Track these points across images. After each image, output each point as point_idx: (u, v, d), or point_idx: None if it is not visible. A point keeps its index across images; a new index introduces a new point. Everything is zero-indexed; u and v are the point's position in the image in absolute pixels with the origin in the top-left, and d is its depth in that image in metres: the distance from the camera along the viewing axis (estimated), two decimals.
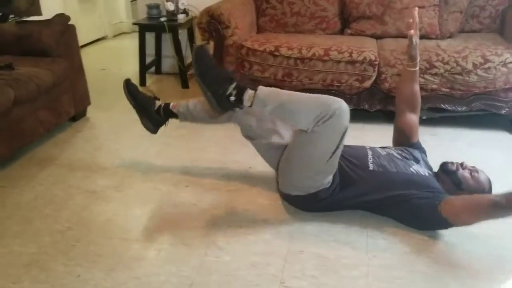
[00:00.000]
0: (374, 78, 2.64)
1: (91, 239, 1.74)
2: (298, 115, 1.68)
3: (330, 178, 1.81)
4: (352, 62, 2.60)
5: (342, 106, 1.64)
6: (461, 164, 1.88)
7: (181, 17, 3.40)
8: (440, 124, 2.77)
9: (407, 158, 1.93)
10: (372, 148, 1.95)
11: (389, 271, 1.59)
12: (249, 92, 1.70)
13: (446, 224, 1.71)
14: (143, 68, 3.55)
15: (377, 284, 1.53)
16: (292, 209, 1.93)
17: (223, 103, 1.71)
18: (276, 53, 2.68)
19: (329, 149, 1.71)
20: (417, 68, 2.02)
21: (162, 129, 2.23)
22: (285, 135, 2.02)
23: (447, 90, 2.59)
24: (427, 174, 1.86)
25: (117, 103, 3.22)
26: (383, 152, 1.93)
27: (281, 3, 3.13)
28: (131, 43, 5.21)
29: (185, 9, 3.51)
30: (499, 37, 2.89)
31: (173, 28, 3.36)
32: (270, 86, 1.78)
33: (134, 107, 2.20)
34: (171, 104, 2.17)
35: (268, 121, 2.02)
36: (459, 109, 2.67)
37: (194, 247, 1.71)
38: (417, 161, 1.93)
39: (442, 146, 2.54)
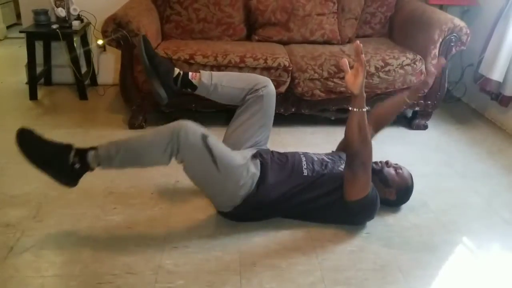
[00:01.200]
0: (288, 83, 2.71)
1: (20, 281, 1.53)
2: (150, 154, 1.68)
3: (247, 181, 1.79)
4: (268, 68, 2.65)
5: (185, 126, 1.65)
6: (386, 163, 2.02)
7: (75, 24, 3.14)
8: None
9: (336, 160, 2.01)
10: (305, 154, 2.00)
11: (342, 272, 1.65)
12: (91, 153, 1.68)
13: (360, 206, 1.80)
14: (34, 79, 3.21)
15: (334, 287, 1.58)
16: (234, 221, 1.90)
17: (69, 175, 1.68)
18: (192, 61, 2.62)
19: (207, 162, 1.68)
20: (408, 102, 2.11)
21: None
22: None
23: None
24: None
25: (9, 120, 2.87)
26: (315, 158, 1.99)
27: (186, 9, 3.05)
28: (6, 52, 4.69)
29: (79, 15, 3.25)
30: (389, 41, 3.16)
31: (68, 36, 3.09)
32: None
33: (148, 70, 1.92)
34: (190, 74, 1.97)
35: None
36: None
37: (142, 275, 1.59)
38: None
39: None
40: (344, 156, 2.09)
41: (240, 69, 2.63)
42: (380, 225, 1.93)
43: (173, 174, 2.26)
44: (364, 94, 1.62)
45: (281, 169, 1.90)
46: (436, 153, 2.64)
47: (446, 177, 2.36)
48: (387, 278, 1.63)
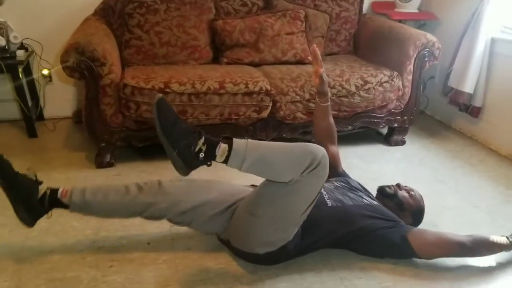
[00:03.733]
0: (270, 107, 2.57)
1: None
2: (283, 167, 1.49)
3: (297, 228, 1.66)
4: (249, 94, 2.49)
5: (325, 153, 1.53)
6: (398, 186, 1.96)
7: (20, 53, 2.78)
8: None
9: (355, 189, 1.91)
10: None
11: None
12: (222, 146, 1.46)
13: (411, 255, 1.74)
14: None
15: None
16: (251, 267, 1.72)
17: (191, 161, 1.45)
18: (167, 90, 2.39)
19: (309, 199, 1.57)
20: (329, 102, 2.03)
21: None
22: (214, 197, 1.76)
23: (335, 112, 2.67)
24: (376, 203, 1.87)
25: None
26: (332, 186, 1.87)
27: (148, 33, 2.82)
28: None
29: (22, 43, 2.90)
30: (358, 58, 3.13)
31: (13, 67, 2.72)
32: None
33: (7, 193, 1.63)
34: (60, 191, 1.67)
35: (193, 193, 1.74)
36: (345, 129, 2.80)
37: None
38: (362, 190, 1.93)
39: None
40: (352, 182, 1.99)
41: (220, 95, 2.45)
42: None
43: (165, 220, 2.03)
44: None
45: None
46: (422, 169, 2.63)
47: (443, 194, 2.34)
48: None
